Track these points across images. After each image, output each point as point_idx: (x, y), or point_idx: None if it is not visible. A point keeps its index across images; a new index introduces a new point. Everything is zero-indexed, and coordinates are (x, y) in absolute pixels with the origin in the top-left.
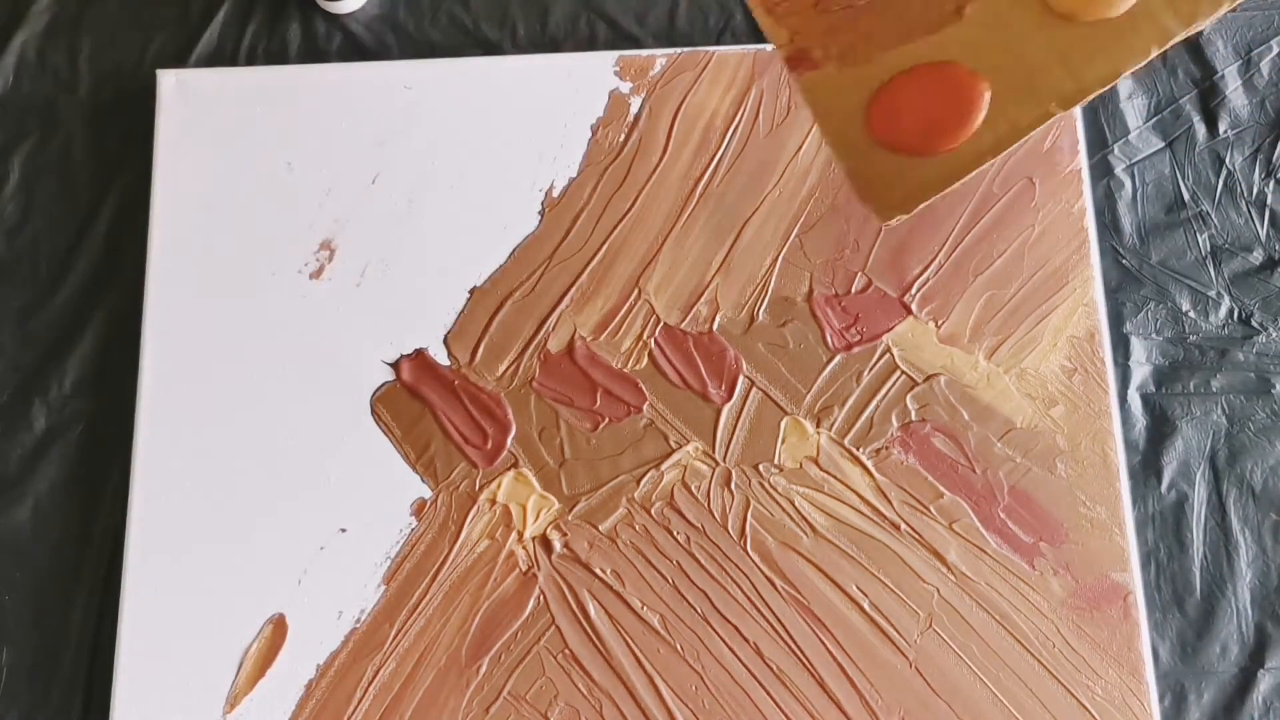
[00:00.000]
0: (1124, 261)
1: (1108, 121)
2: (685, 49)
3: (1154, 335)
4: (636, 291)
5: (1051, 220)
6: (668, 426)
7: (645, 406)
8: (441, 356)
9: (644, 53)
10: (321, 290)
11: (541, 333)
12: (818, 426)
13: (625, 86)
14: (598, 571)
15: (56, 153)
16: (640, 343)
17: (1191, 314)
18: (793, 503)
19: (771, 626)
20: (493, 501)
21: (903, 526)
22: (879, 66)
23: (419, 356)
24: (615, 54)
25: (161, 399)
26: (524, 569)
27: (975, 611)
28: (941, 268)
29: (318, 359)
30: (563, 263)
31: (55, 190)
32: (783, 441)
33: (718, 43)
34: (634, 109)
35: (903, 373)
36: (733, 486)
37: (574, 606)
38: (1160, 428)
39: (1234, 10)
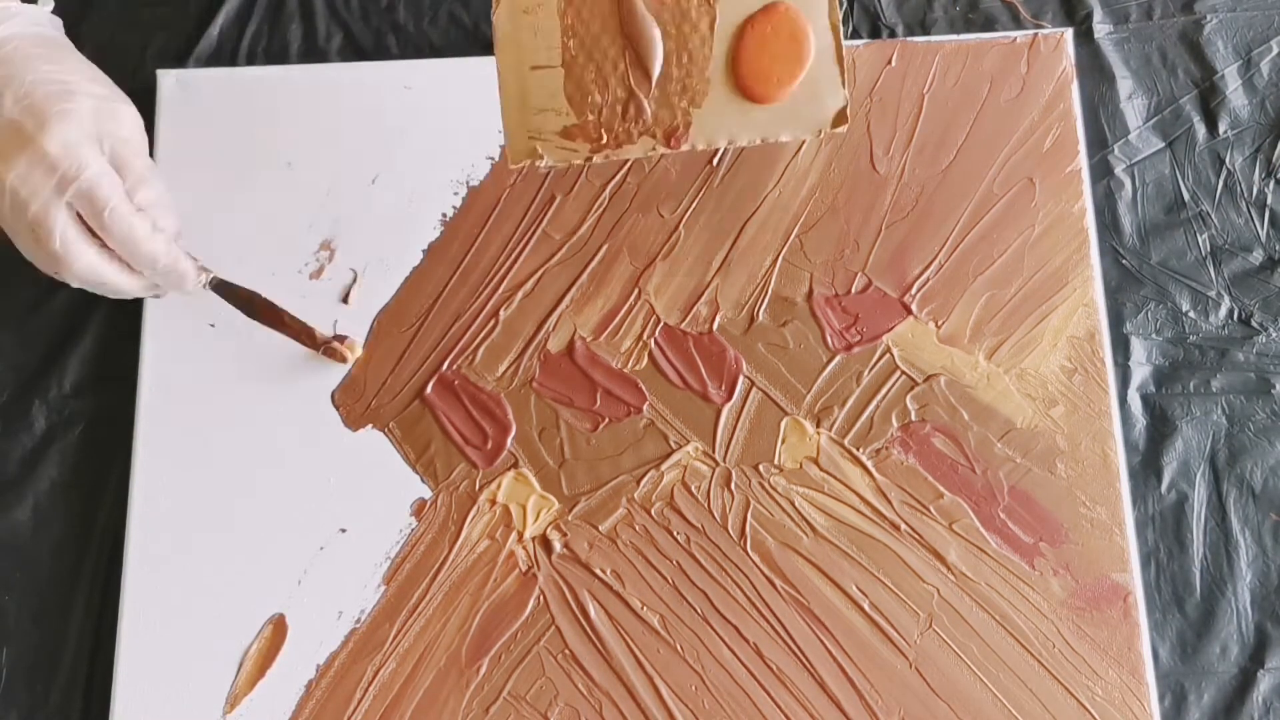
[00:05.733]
0: (1124, 261)
1: (1108, 121)
2: None
3: (1154, 335)
4: (636, 291)
5: (1051, 220)
6: (668, 426)
7: (645, 406)
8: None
9: None
10: (321, 290)
11: (541, 333)
12: (818, 427)
13: None
14: (598, 572)
15: None
16: (640, 343)
17: (1191, 314)
18: (793, 503)
19: (771, 626)
20: (493, 502)
21: (903, 526)
22: None
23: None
24: None
25: (161, 400)
26: (524, 569)
27: (975, 611)
28: (942, 268)
29: (318, 359)
30: (563, 263)
31: None
32: (783, 442)
33: None
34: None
35: (903, 373)
36: (733, 487)
37: (574, 606)
38: (1160, 428)
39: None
